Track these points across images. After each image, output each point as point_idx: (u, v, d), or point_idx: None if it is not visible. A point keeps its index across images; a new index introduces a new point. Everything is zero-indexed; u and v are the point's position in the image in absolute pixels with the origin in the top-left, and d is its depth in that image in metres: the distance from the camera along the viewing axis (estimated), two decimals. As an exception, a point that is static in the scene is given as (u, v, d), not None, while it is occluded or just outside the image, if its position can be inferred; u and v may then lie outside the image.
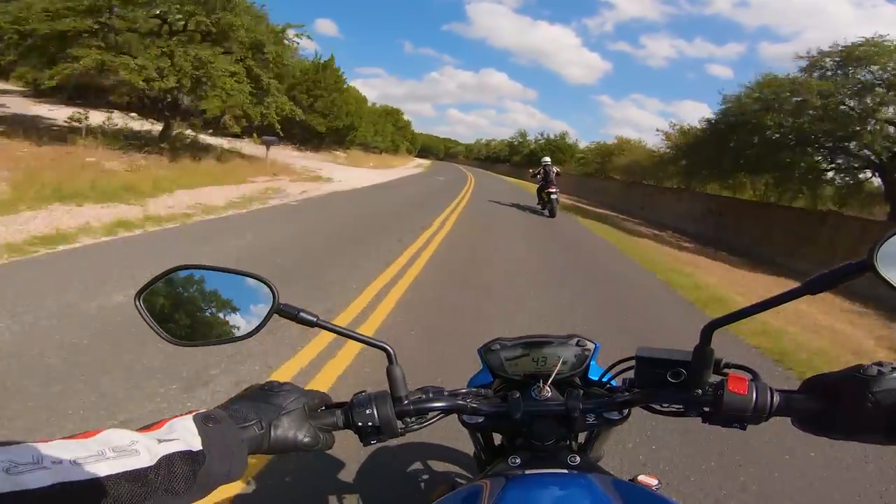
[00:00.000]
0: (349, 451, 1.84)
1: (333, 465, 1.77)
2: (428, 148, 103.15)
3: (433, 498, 0.74)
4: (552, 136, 48.76)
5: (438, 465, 1.78)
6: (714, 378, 0.58)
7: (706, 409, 0.57)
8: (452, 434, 1.79)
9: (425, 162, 55.08)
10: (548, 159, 11.98)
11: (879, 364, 0.51)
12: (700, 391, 0.58)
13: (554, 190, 10.94)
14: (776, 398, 0.54)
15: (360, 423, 0.57)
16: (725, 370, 0.59)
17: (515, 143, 59.29)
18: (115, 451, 0.36)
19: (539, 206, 11.72)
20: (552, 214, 10.80)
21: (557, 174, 11.41)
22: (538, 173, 11.66)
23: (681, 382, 0.58)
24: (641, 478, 0.77)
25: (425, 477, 1.71)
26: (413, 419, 0.61)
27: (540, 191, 11.61)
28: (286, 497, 1.63)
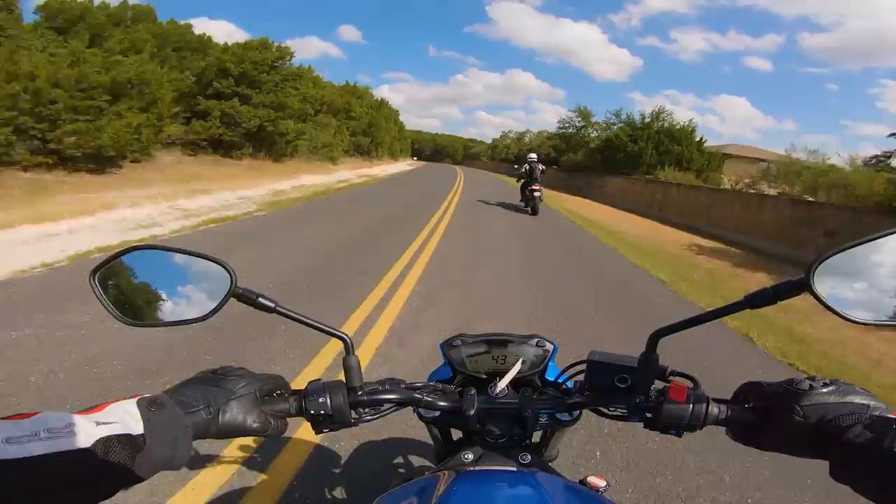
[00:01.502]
0: (315, 437, 1.84)
1: (293, 451, 1.77)
2: (441, 149, 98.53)
3: (391, 487, 0.75)
4: (659, 116, 22.96)
5: (406, 460, 1.79)
6: (659, 384, 0.60)
7: (648, 415, 0.59)
8: (415, 434, 1.81)
9: (394, 169, 33.91)
10: (534, 156, 12.03)
11: (812, 378, 0.53)
12: (643, 397, 0.59)
13: (537, 187, 11.02)
14: (711, 409, 0.56)
15: (312, 411, 0.57)
16: (670, 378, 0.61)
17: (569, 130, 31.10)
18: (48, 432, 0.35)
19: (522, 204, 11.88)
20: (534, 212, 10.96)
21: (542, 171, 11.54)
22: (524, 169, 11.77)
23: (627, 388, 0.60)
24: (591, 479, 0.79)
25: (391, 470, 1.72)
26: (367, 410, 0.62)
27: (524, 188, 11.70)
28: (245, 493, 1.63)
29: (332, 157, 22.29)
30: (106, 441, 0.38)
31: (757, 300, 0.52)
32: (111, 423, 0.39)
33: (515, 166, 13.52)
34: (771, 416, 0.53)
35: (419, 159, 74.63)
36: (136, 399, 0.44)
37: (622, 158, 22.06)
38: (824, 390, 0.51)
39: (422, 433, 1.81)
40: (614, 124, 25.75)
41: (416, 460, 1.76)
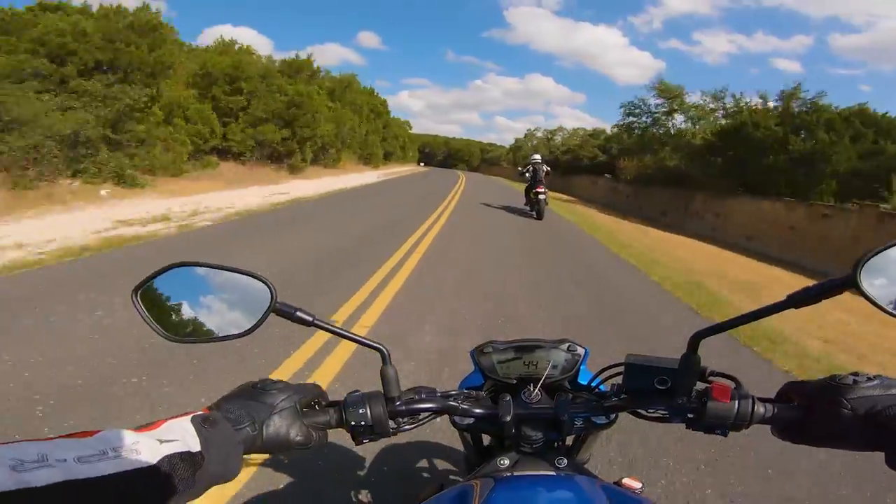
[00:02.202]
0: (342, 448, 1.86)
1: (325, 462, 1.78)
2: (455, 154, 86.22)
3: (422, 497, 0.75)
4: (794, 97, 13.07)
5: (430, 465, 1.80)
6: (699, 385, 0.60)
7: (690, 415, 0.59)
8: (446, 433, 1.80)
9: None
10: (537, 156, 11.57)
11: (855, 374, 0.53)
12: (685, 398, 0.59)
13: (542, 189, 10.62)
14: (757, 407, 0.56)
15: (353, 423, 0.58)
16: (710, 378, 0.60)
17: (639, 120, 21.61)
18: (115, 451, 0.36)
19: (527, 207, 11.55)
20: (539, 216, 10.61)
21: (547, 173, 11.09)
22: (526, 171, 11.35)
23: (667, 389, 0.60)
24: (626, 481, 0.78)
25: (417, 475, 1.73)
26: (405, 419, 0.62)
27: (528, 190, 11.31)
28: (274, 496, 1.64)
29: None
30: (170, 459, 0.39)
31: (799, 299, 0.51)
32: (172, 440, 0.40)
33: (520, 168, 12.38)
34: (815, 413, 0.53)
35: (427, 165, 67.63)
36: (189, 416, 0.45)
37: (774, 164, 11.73)
38: (868, 384, 0.51)
39: (445, 436, 1.82)
40: (717, 110, 17.09)
41: (441, 464, 1.76)
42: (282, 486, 1.69)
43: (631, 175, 18.55)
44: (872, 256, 0.49)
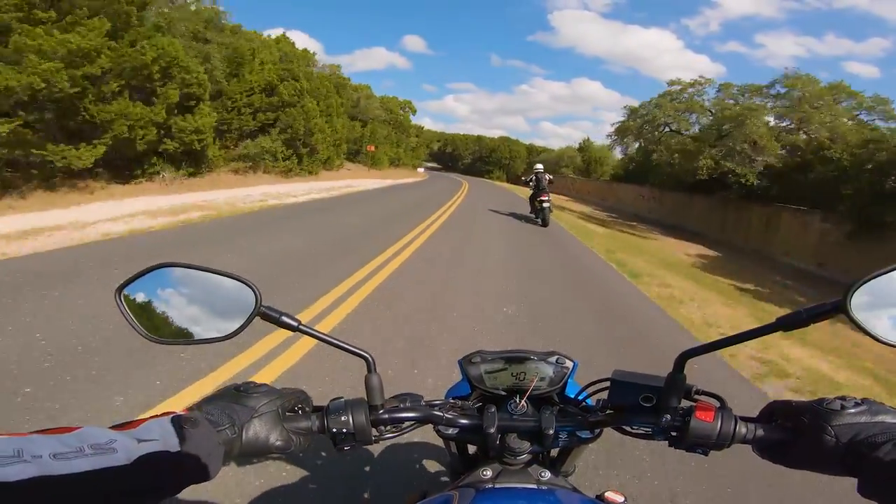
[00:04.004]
0: (325, 452, 1.85)
1: (307, 466, 1.78)
2: (489, 157, 59.84)
3: (406, 503, 0.75)
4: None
5: (416, 471, 1.79)
6: (684, 404, 0.59)
7: (673, 433, 0.59)
8: (434, 441, 1.80)
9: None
10: (540, 166, 12.17)
11: (842, 398, 0.52)
12: (669, 416, 0.59)
13: (546, 198, 11.04)
14: (739, 427, 0.56)
15: (334, 429, 0.57)
16: (696, 397, 0.60)
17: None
18: (92, 448, 0.36)
19: (532, 215, 11.94)
20: (545, 223, 11.01)
21: (550, 181, 11.67)
22: (530, 181, 11.94)
23: (652, 407, 0.59)
24: (608, 494, 0.78)
25: (401, 482, 1.72)
26: (388, 427, 0.62)
27: (532, 199, 11.84)
28: (254, 500, 1.62)
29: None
30: (147, 458, 0.39)
31: (790, 322, 0.51)
32: (151, 440, 0.40)
33: (523, 178, 13.20)
34: (799, 436, 0.53)
35: (441, 170, 56.31)
36: (170, 416, 0.44)
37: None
38: (854, 410, 0.51)
39: (438, 440, 1.80)
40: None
41: (433, 466, 1.76)
42: (270, 487, 1.68)
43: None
44: (863, 284, 0.49)
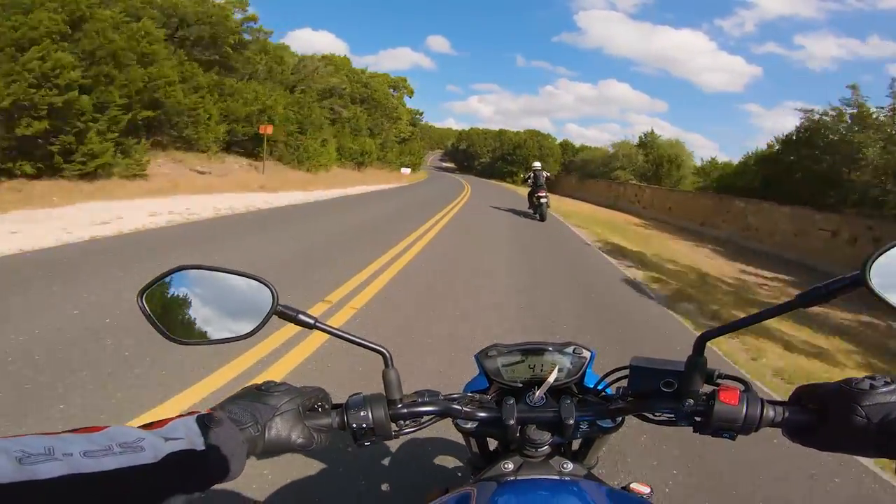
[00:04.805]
0: (344, 448, 1.85)
1: (328, 462, 1.78)
2: (511, 155, 45.39)
3: (427, 500, 0.74)
4: None
5: (435, 467, 1.78)
6: (707, 388, 0.59)
7: (697, 418, 0.58)
8: (452, 436, 1.79)
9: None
10: (538, 164, 12.77)
11: (871, 378, 0.51)
12: (692, 401, 0.58)
13: (543, 194, 11.65)
14: (766, 410, 0.55)
15: (354, 425, 0.58)
16: (718, 381, 0.59)
17: None
18: (121, 447, 0.37)
19: (530, 211, 12.49)
20: (542, 218, 11.46)
21: (548, 178, 12.35)
22: (528, 178, 12.56)
23: (673, 392, 0.59)
24: (634, 486, 0.77)
25: (421, 478, 1.72)
26: (407, 422, 0.62)
27: (531, 195, 12.41)
28: (276, 496, 1.63)
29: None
30: (174, 457, 0.40)
31: (808, 298, 0.51)
32: (177, 439, 0.41)
33: (523, 175, 14.07)
34: (828, 417, 0.52)
35: (460, 170, 48.11)
36: (195, 416, 0.45)
37: None
38: (885, 389, 0.50)
39: (459, 435, 1.79)
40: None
41: (450, 461, 1.74)
42: (275, 488, 1.68)
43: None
44: (880, 255, 0.48)
